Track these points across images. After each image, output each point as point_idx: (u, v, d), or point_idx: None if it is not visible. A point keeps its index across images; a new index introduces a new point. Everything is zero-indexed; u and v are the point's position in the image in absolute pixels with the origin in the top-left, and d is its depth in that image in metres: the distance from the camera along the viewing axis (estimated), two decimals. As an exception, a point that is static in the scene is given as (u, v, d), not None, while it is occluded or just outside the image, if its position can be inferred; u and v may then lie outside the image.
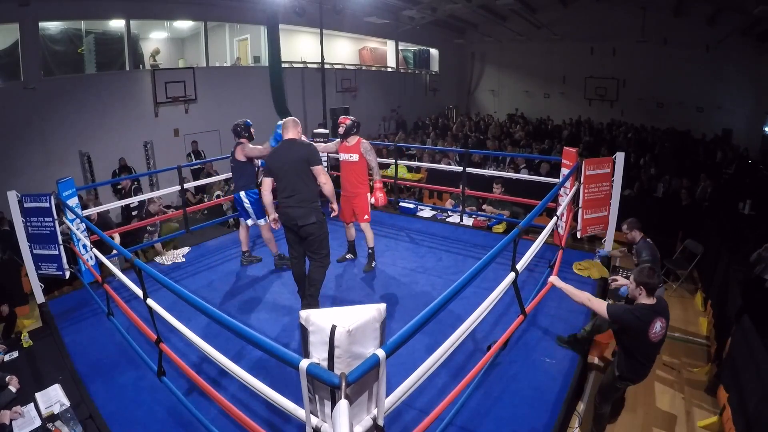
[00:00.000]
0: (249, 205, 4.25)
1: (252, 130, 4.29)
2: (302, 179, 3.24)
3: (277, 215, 3.39)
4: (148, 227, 5.27)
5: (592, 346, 3.54)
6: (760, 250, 4.50)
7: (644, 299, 2.59)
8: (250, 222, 4.41)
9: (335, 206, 3.52)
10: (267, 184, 3.36)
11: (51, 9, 7.70)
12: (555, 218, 3.85)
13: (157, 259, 4.77)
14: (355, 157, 4.08)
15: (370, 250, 4.34)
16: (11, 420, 2.57)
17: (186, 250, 4.95)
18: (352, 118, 4.20)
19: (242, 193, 4.22)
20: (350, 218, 4.27)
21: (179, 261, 4.73)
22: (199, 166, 8.26)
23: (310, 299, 3.33)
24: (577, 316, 3.52)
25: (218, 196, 7.28)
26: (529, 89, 17.57)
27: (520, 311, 2.75)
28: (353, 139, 4.08)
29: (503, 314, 3.40)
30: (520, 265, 2.66)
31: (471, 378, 2.32)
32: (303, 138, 3.47)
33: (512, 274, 2.57)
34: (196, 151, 9.49)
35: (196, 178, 8.00)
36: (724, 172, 9.26)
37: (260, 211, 4.23)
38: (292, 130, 3.35)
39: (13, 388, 2.81)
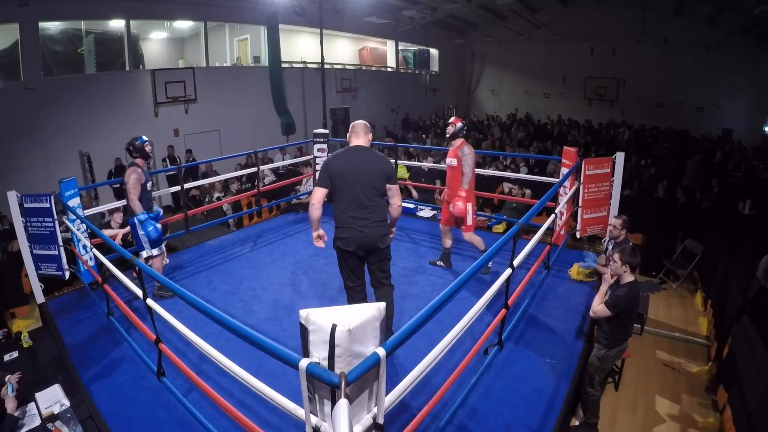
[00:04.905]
0: (143, 231, 3.69)
1: (147, 148, 3.78)
2: (380, 195, 2.83)
3: (323, 232, 2.92)
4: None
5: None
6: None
7: (629, 276, 2.87)
8: (144, 253, 3.78)
9: (394, 231, 3.08)
10: (320, 195, 2.79)
11: (51, 9, 7.70)
12: (553, 216, 3.85)
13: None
14: (454, 162, 3.97)
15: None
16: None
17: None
18: (461, 119, 4.10)
19: (136, 219, 3.69)
20: (450, 223, 4.20)
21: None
22: (173, 172, 7.82)
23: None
24: (576, 316, 3.53)
25: (218, 198, 7.28)
26: (529, 89, 17.57)
27: (503, 304, 2.76)
28: (457, 143, 3.98)
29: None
30: (517, 262, 2.66)
31: (460, 372, 2.32)
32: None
33: (509, 270, 2.57)
34: (171, 156, 9.11)
35: (171, 184, 7.67)
36: (732, 174, 9.22)
37: (158, 239, 3.79)
38: (362, 135, 2.88)
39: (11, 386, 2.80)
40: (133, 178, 3.61)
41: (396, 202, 2.93)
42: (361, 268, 2.94)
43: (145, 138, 3.81)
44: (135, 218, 3.67)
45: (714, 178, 7.68)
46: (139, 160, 3.76)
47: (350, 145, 2.89)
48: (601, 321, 2.96)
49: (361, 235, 2.76)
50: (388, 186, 2.85)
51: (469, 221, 4.06)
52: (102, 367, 3.05)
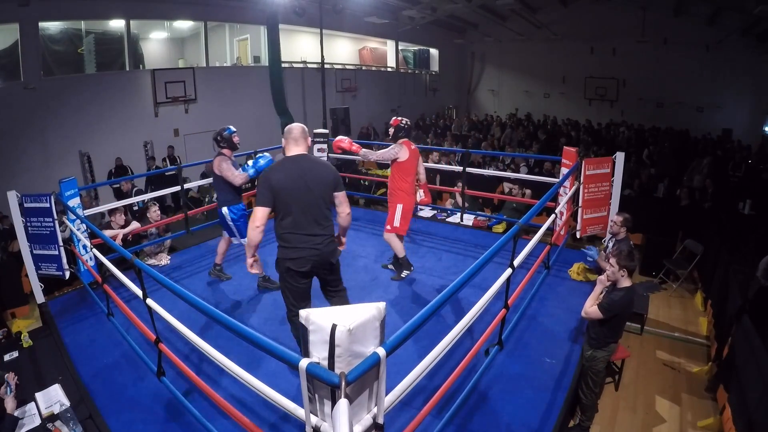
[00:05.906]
0: (232, 223, 3.95)
1: (235, 138, 3.93)
2: (327, 208, 2.59)
3: (257, 257, 2.68)
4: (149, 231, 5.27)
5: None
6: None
7: (626, 281, 2.83)
8: (235, 240, 4.08)
9: (345, 241, 2.88)
10: (262, 215, 2.49)
11: (51, 9, 7.70)
12: (553, 216, 3.86)
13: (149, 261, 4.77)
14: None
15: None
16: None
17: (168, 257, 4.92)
18: (402, 119, 3.95)
19: (225, 209, 3.92)
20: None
21: (164, 264, 4.72)
22: (174, 172, 7.43)
23: None
24: (576, 316, 3.52)
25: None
26: (529, 89, 17.57)
27: (503, 305, 2.76)
28: (400, 142, 3.89)
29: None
30: (517, 262, 2.66)
31: (460, 372, 2.32)
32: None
33: (509, 270, 2.57)
34: (171, 156, 9.11)
35: (171, 184, 6.95)
36: (733, 174, 9.22)
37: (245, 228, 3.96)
38: (302, 142, 2.58)
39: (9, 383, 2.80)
40: (224, 165, 3.78)
41: (344, 209, 2.69)
42: (308, 291, 2.68)
43: (233, 129, 3.94)
44: (223, 207, 3.88)
45: (707, 179, 7.69)
46: (226, 151, 3.91)
47: (288, 153, 2.58)
48: (593, 322, 2.95)
49: (316, 252, 2.52)
50: (335, 194, 2.62)
51: (396, 222, 3.92)
52: (102, 367, 3.05)
